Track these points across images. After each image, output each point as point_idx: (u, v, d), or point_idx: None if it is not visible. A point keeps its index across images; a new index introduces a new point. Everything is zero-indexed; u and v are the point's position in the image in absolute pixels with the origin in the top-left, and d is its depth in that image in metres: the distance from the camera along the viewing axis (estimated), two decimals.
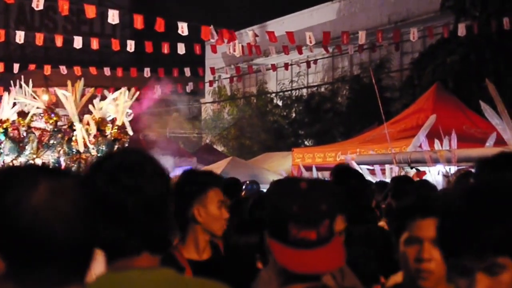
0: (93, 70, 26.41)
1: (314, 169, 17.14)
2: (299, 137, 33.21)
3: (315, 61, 28.09)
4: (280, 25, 32.80)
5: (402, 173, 12.61)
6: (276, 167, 20.51)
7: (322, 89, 34.55)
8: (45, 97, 16.96)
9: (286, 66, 28.08)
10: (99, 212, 1.95)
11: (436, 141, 13.44)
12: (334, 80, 34.66)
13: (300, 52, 23.73)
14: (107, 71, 26.55)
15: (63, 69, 25.19)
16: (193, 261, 4.08)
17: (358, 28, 25.96)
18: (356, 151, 16.00)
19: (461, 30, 21.26)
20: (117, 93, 16.37)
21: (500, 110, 10.65)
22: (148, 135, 26.67)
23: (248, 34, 22.66)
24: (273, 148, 28.85)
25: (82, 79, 16.77)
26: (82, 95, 16.47)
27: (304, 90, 35.70)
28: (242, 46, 21.88)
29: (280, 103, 35.40)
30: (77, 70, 25.50)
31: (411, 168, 12.92)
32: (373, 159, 14.82)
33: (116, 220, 2.31)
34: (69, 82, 16.43)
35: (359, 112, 27.36)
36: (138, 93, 17.56)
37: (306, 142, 32.28)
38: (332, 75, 36.35)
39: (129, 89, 29.30)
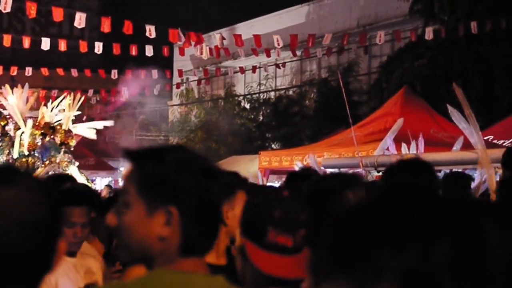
0: (60, 71, 26.23)
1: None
2: (266, 140, 33.22)
3: (283, 64, 28.09)
4: (249, 28, 32.82)
5: (369, 177, 12.57)
6: (243, 170, 20.11)
7: (290, 92, 34.59)
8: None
9: (253, 69, 28.05)
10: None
11: (403, 145, 13.43)
12: (302, 83, 34.73)
13: (269, 55, 23.70)
14: (74, 72, 26.39)
15: (28, 71, 24.99)
16: (212, 265, 3.64)
17: (326, 31, 25.98)
18: (323, 155, 15.97)
19: (429, 34, 21.35)
20: (61, 99, 16.73)
21: (467, 114, 10.57)
22: (115, 137, 26.55)
23: (216, 37, 22.62)
24: (240, 151, 28.73)
25: (27, 84, 16.96)
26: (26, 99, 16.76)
27: (272, 93, 35.79)
28: (210, 49, 21.83)
29: (247, 106, 35.45)
30: (44, 71, 25.34)
31: (378, 172, 12.87)
32: (340, 163, 14.76)
33: (195, 219, 2.27)
34: (7, 86, 16.63)
35: (327, 115, 27.40)
36: (82, 98, 17.68)
37: (273, 145, 32.37)
38: (300, 78, 36.42)
39: (95, 91, 29.50)
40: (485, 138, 14.47)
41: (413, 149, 13.17)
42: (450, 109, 11.24)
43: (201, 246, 2.30)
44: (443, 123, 16.09)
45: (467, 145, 11.78)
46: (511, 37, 21.78)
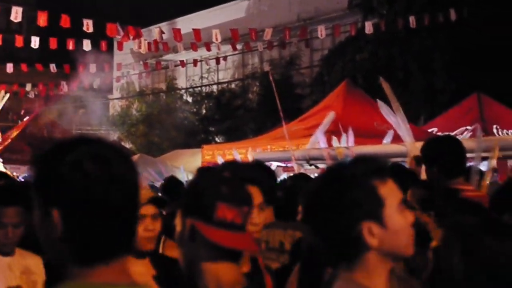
0: None
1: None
2: (209, 133, 33.18)
3: (225, 58, 27.98)
4: (189, 22, 32.67)
5: (302, 171, 12.62)
6: (185, 164, 20.22)
7: (233, 86, 34.61)
8: None
9: (194, 62, 27.90)
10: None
11: (334, 138, 13.54)
12: (244, 77, 34.77)
13: (209, 49, 23.58)
14: (9, 68, 25.92)
15: None
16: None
17: (267, 25, 25.97)
18: (267, 148, 15.94)
19: (369, 28, 21.42)
20: None
21: (395, 108, 10.88)
22: (53, 131, 26.16)
23: (155, 31, 22.48)
24: (183, 145, 28.67)
25: None
26: None
27: (215, 87, 35.76)
28: (149, 43, 21.67)
29: (190, 99, 35.26)
30: None
31: (310, 165, 12.95)
32: (272, 157, 14.72)
33: (92, 218, 2.01)
34: None
35: (270, 108, 27.47)
36: (8, 95, 17.37)
37: (217, 139, 32.35)
38: (242, 72, 36.44)
39: (33, 85, 29.09)
40: (429, 130, 14.65)
41: (344, 142, 13.25)
42: (379, 103, 11.55)
43: (106, 252, 2.04)
44: None
45: (399, 138, 11.93)
46: (449, 31, 22.02)
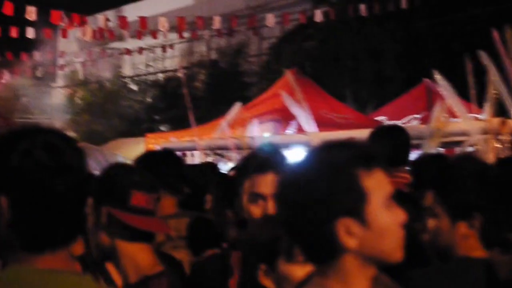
0: None
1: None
2: (154, 122, 33.11)
3: (171, 46, 27.71)
4: (136, 10, 32.40)
5: (207, 159, 12.99)
6: (129, 153, 19.92)
7: (179, 74, 34.49)
8: None
9: (140, 50, 27.56)
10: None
11: (239, 128, 13.79)
12: (191, 65, 34.56)
13: (155, 37, 23.28)
14: None
15: None
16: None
17: (215, 13, 25.76)
18: (212, 136, 15.75)
19: (318, 16, 21.22)
20: None
21: (299, 99, 11.63)
22: None
23: (100, 19, 22.15)
24: (126, 134, 28.52)
25: None
26: None
27: (161, 75, 35.54)
28: (94, 31, 21.35)
29: (135, 88, 35.00)
30: None
31: (215, 154, 13.50)
32: (179, 146, 14.84)
33: (41, 207, 2.06)
34: None
35: (217, 97, 27.38)
36: None
37: (162, 128, 32.15)
38: (189, 60, 36.28)
39: None
40: (377, 118, 14.48)
41: (251, 132, 13.47)
42: (283, 95, 12.38)
43: (52, 240, 2.10)
44: (334, 104, 16.06)
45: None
46: (398, 19, 21.98)
